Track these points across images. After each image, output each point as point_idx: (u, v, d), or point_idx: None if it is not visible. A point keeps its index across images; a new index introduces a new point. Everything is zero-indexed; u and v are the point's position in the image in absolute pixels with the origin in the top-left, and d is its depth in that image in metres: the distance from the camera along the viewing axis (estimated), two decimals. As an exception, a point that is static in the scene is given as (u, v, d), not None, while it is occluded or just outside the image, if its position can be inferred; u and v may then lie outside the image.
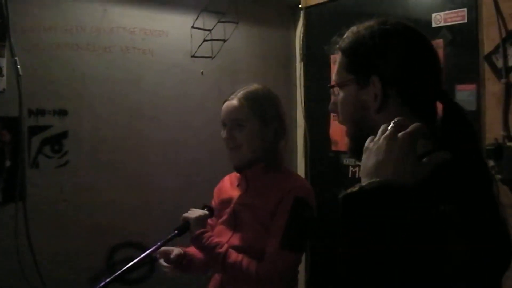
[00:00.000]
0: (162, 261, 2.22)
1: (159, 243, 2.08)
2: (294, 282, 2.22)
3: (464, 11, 2.84)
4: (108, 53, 3.10)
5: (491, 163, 2.62)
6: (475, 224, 1.05)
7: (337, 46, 1.36)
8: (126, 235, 3.12)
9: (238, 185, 2.31)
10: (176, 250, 2.23)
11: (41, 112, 2.89)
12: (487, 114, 2.72)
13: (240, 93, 2.22)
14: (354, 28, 1.34)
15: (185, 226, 2.13)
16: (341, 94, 1.33)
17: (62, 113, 2.95)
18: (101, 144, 3.05)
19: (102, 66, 3.08)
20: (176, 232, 2.11)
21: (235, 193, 2.27)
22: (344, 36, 1.36)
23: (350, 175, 3.47)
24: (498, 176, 2.60)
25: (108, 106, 3.10)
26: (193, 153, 3.39)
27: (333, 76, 1.37)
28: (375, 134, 1.16)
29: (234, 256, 2.06)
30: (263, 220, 2.10)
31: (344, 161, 3.49)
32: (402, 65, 1.25)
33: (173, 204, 3.02)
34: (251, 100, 2.20)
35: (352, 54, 1.31)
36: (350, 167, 3.46)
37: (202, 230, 2.12)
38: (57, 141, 2.95)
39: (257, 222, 2.11)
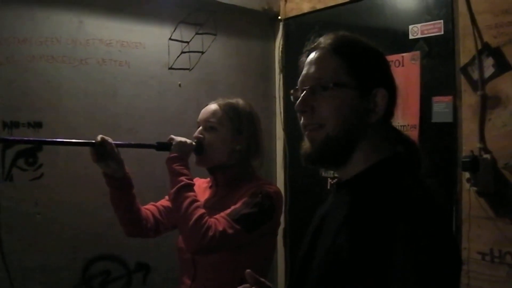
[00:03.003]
0: (108, 139, 2.13)
1: (132, 142, 2.23)
2: None
3: (440, 23, 2.86)
4: (84, 65, 3.06)
5: (467, 175, 2.63)
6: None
7: (323, 44, 1.34)
8: (102, 248, 3.08)
9: (210, 187, 2.35)
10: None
11: (15, 125, 2.84)
12: (464, 126, 2.73)
13: (221, 100, 2.29)
14: (338, 33, 1.36)
15: (166, 144, 2.19)
16: (333, 94, 1.29)
17: (37, 125, 2.90)
18: (77, 157, 2.99)
19: (78, 78, 3.03)
20: (156, 144, 2.20)
21: (203, 196, 2.28)
22: (332, 37, 1.35)
23: (328, 187, 3.46)
24: (474, 189, 2.61)
25: (84, 118, 3.05)
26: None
27: (319, 73, 1.34)
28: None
29: (192, 194, 2.06)
30: None
31: (323, 173, 3.48)
32: (393, 86, 1.33)
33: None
34: (228, 107, 2.25)
35: (353, 58, 1.30)
36: (329, 179, 3.45)
37: (181, 156, 2.14)
38: (31, 154, 2.89)
39: None
